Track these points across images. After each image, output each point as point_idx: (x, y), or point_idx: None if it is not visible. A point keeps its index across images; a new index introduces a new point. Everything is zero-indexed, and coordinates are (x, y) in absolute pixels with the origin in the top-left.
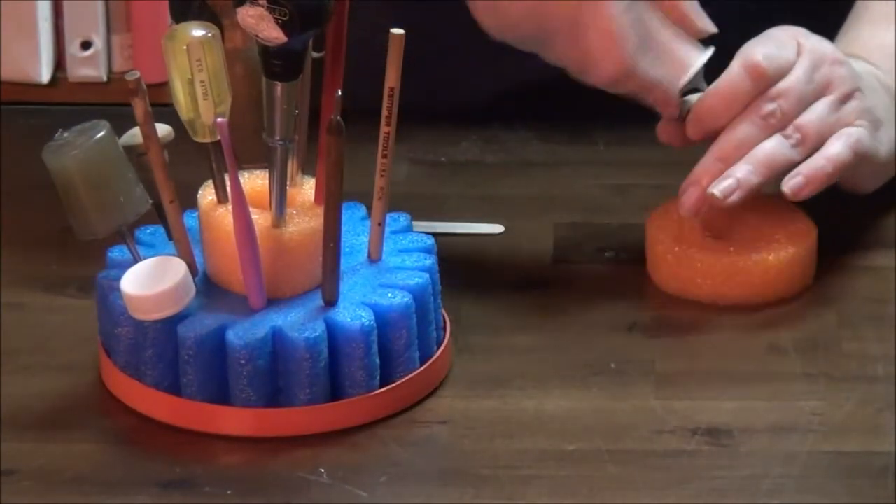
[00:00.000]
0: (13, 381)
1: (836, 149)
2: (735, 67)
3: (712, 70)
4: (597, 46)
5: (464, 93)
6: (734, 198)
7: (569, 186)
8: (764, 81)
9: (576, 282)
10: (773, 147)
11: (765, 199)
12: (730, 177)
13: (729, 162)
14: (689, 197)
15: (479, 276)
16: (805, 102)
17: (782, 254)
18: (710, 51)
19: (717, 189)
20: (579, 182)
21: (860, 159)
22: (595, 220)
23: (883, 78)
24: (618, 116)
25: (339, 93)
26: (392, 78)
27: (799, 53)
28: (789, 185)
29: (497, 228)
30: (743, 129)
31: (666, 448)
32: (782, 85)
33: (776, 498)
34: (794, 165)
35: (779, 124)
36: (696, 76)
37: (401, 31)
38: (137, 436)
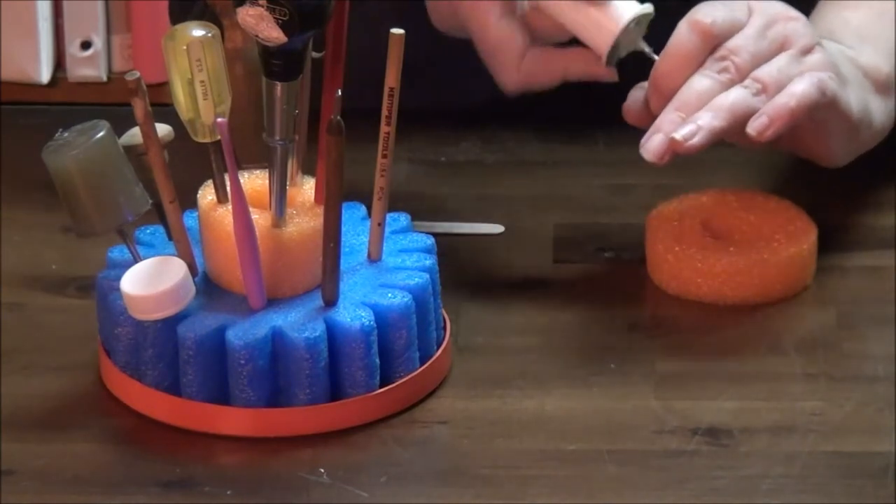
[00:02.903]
0: (13, 381)
1: (800, 86)
2: (681, 28)
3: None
4: (486, 60)
5: (464, 93)
6: (696, 140)
7: (569, 186)
8: (711, 38)
9: (576, 282)
10: (735, 95)
11: (765, 198)
12: (691, 122)
13: (688, 111)
14: (652, 142)
15: (479, 276)
16: (760, 58)
17: (782, 254)
18: (643, 7)
19: (679, 133)
20: (579, 182)
21: (829, 104)
22: (595, 220)
23: (849, 53)
24: (618, 116)
25: (339, 93)
26: (392, 78)
27: (751, 14)
28: (753, 125)
29: (497, 228)
30: (700, 82)
31: (666, 448)
32: (732, 42)
33: (776, 498)
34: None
35: (736, 78)
36: (632, 38)
37: (401, 31)
38: (137, 436)
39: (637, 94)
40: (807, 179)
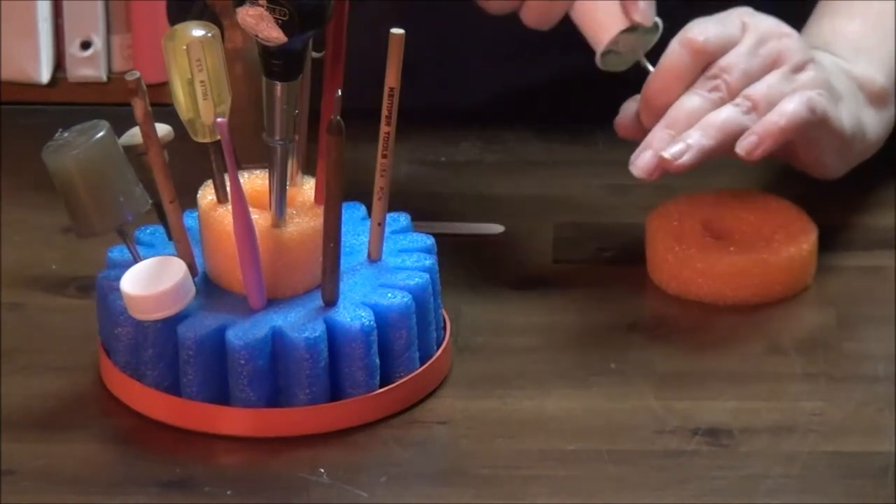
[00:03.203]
0: (13, 381)
1: (790, 105)
2: (673, 45)
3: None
4: None
5: (464, 93)
6: (685, 159)
7: (569, 186)
8: (703, 55)
9: (576, 282)
10: (725, 113)
11: (765, 198)
12: (681, 141)
13: (678, 129)
14: (642, 159)
15: (479, 276)
16: (752, 76)
17: (782, 254)
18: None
19: (668, 152)
20: (579, 182)
21: (819, 122)
22: (595, 220)
23: (843, 64)
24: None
25: (339, 93)
26: (392, 78)
27: (744, 31)
28: (742, 145)
29: (497, 228)
30: (691, 101)
31: (666, 448)
32: (724, 60)
33: (776, 498)
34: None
35: (726, 97)
36: (633, 46)
37: (401, 31)
38: (137, 436)
39: (629, 108)
40: (807, 179)
